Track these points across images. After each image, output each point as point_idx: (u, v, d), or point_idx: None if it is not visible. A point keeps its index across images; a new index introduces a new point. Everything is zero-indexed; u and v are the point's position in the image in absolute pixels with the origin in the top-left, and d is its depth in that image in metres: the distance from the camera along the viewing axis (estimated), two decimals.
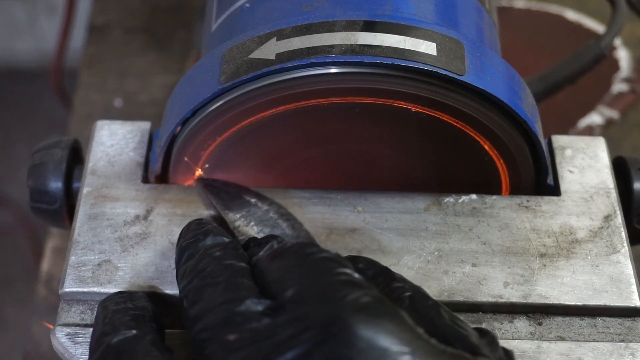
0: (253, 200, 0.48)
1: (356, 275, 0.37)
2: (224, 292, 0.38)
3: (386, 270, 0.41)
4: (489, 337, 0.38)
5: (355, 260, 0.41)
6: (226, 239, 0.42)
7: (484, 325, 0.44)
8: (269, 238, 0.43)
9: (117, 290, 0.45)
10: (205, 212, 0.48)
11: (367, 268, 0.41)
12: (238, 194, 0.48)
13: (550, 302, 0.45)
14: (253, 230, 0.47)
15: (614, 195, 0.49)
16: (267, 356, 0.34)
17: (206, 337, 0.37)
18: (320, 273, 0.37)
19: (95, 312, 0.44)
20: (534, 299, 0.45)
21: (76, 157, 0.53)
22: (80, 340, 0.43)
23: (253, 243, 0.43)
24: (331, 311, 0.35)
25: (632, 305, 0.45)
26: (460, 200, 0.49)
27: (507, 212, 0.48)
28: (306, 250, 0.38)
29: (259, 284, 0.39)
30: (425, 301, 0.39)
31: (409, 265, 0.46)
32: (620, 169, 0.51)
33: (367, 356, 0.33)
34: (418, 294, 0.39)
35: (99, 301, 0.44)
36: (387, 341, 0.34)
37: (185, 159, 0.48)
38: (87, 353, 0.43)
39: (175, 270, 0.43)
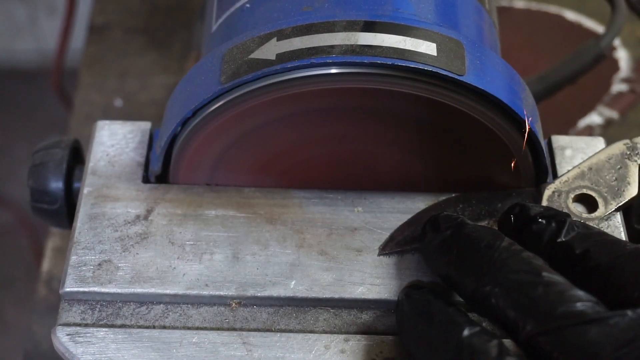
0: None
1: None
2: (554, 295, 0.37)
3: None
4: None
5: None
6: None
7: (484, 325, 0.44)
8: (560, 215, 0.42)
9: (117, 290, 0.45)
10: (211, 212, 0.48)
11: None
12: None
13: None
14: None
15: None
16: None
17: (549, 340, 0.36)
18: None
19: (95, 312, 0.44)
20: None
21: (76, 157, 0.53)
22: (81, 339, 0.43)
23: (534, 216, 0.42)
24: None
25: None
26: None
27: None
28: None
29: (574, 272, 0.38)
30: None
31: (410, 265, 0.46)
32: None
33: None
34: None
35: (99, 301, 0.45)
36: None
37: (186, 159, 0.48)
38: (87, 353, 0.43)
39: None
